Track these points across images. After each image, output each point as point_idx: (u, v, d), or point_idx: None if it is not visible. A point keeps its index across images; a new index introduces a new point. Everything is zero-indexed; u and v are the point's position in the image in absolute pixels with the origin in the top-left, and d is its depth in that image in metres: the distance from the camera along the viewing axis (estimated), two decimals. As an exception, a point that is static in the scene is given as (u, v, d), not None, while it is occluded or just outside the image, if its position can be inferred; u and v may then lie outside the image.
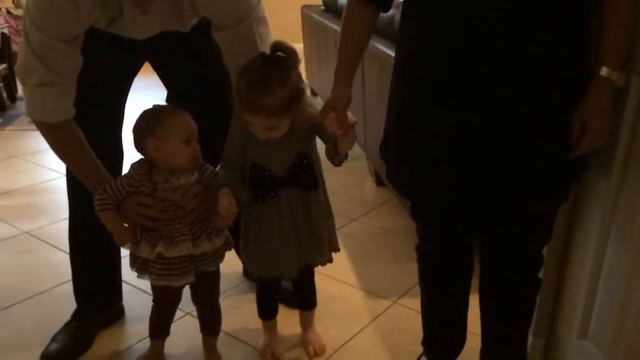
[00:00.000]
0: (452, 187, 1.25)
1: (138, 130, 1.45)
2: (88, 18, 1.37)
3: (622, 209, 1.28)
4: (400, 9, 1.28)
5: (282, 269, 1.58)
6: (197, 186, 1.48)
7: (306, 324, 1.76)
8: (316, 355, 1.71)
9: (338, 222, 2.55)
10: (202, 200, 1.47)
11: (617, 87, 1.17)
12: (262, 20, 1.50)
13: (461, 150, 1.20)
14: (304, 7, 4.60)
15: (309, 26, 4.38)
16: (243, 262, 1.72)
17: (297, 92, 1.39)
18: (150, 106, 1.50)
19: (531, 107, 1.16)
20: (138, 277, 1.54)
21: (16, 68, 1.46)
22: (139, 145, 1.46)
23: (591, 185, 1.37)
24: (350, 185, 2.98)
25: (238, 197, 1.45)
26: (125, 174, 1.49)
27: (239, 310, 1.93)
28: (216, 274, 1.62)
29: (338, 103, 1.32)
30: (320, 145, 1.52)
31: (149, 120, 1.45)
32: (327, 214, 1.62)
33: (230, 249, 1.61)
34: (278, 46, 1.38)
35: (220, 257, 1.58)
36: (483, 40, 1.12)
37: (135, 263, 1.53)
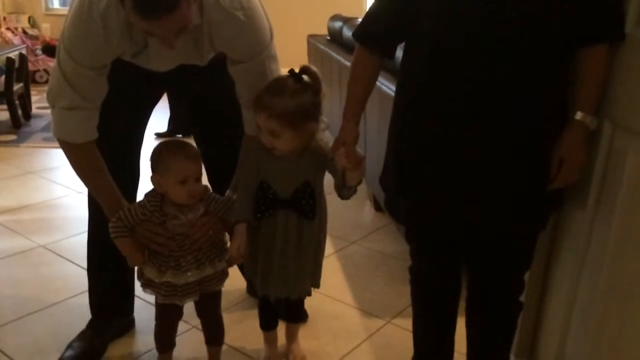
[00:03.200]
0: (444, 217, 1.39)
1: (150, 164, 1.58)
2: (116, 49, 1.51)
3: (594, 240, 1.41)
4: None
5: (269, 289, 1.68)
6: (203, 218, 1.59)
7: (290, 336, 1.89)
8: None
9: (337, 244, 2.71)
10: (208, 228, 1.60)
11: (591, 129, 1.31)
12: (274, 58, 1.65)
13: (453, 185, 1.34)
14: (310, 36, 4.78)
15: (315, 55, 4.55)
16: (246, 279, 1.84)
17: (305, 111, 1.50)
18: (163, 140, 1.62)
19: (516, 146, 1.31)
20: (143, 290, 1.67)
21: (47, 92, 1.60)
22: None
23: (568, 219, 1.50)
24: (349, 209, 3.12)
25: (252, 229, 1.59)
26: (140, 203, 1.60)
27: (242, 325, 2.06)
28: (218, 293, 1.74)
29: (347, 139, 1.46)
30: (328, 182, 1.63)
31: (154, 156, 1.56)
32: (318, 249, 1.70)
33: (232, 265, 1.72)
34: (305, 69, 1.53)
35: (224, 277, 1.70)
36: (474, 88, 1.27)
37: (141, 277, 1.66)
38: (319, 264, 1.73)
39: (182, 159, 1.54)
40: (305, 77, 1.51)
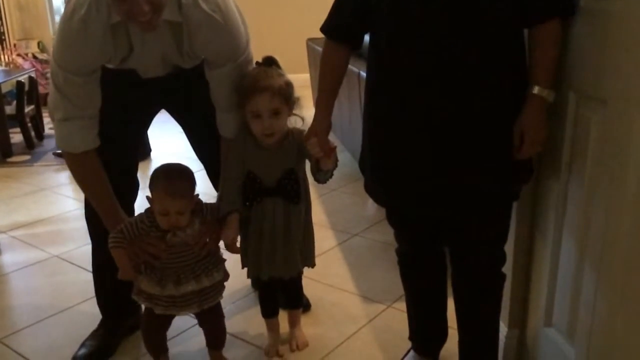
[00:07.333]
0: (418, 198, 1.44)
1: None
2: (100, 55, 1.59)
3: (569, 205, 1.46)
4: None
5: (260, 271, 1.77)
6: (202, 229, 1.65)
7: (292, 322, 1.97)
8: (298, 349, 1.93)
9: (340, 237, 2.78)
10: (211, 232, 1.68)
11: (548, 102, 1.36)
12: (250, 62, 1.73)
13: (424, 166, 1.39)
14: (309, 40, 4.86)
15: (314, 58, 4.62)
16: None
17: (291, 85, 1.68)
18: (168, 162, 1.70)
19: (481, 123, 1.35)
20: (143, 304, 1.72)
21: (47, 106, 1.70)
22: None
23: (545, 187, 1.56)
24: (353, 204, 3.16)
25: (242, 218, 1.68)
26: (140, 218, 1.67)
27: (246, 317, 2.14)
28: (217, 305, 1.78)
29: (319, 129, 1.54)
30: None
31: (151, 177, 1.62)
32: (307, 232, 1.81)
33: (227, 280, 1.77)
34: (268, 58, 1.69)
35: (221, 290, 1.76)
36: (430, 70, 1.32)
37: (140, 294, 1.71)
38: (310, 244, 1.82)
39: (163, 194, 1.59)
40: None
